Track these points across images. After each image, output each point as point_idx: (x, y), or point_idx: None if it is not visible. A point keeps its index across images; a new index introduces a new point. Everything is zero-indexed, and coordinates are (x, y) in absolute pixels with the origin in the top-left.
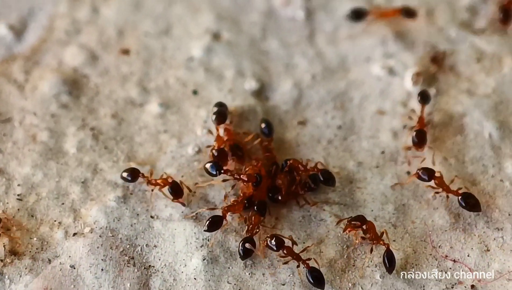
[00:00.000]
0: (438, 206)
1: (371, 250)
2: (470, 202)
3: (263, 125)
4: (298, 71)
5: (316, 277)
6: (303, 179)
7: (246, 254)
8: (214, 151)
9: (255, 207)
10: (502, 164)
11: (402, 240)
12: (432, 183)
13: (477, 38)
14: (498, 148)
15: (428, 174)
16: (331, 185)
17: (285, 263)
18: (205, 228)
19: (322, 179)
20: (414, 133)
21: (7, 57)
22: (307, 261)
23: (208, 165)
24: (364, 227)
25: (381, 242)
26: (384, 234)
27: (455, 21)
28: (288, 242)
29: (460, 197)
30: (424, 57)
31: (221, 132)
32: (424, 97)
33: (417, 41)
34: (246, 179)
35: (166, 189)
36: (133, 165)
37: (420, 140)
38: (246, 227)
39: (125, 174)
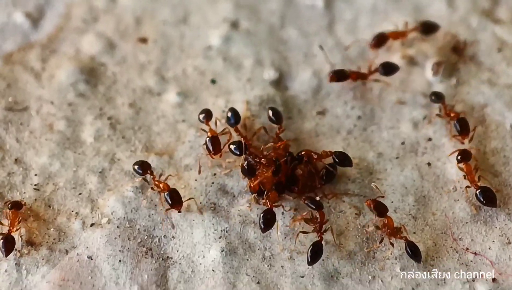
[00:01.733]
0: (459, 198)
1: (392, 244)
2: (487, 196)
3: (270, 113)
4: (317, 60)
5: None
6: (318, 169)
7: (267, 225)
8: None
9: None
10: None
11: (422, 232)
12: (461, 165)
13: (498, 27)
14: None
15: (463, 156)
16: (347, 165)
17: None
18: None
19: (337, 160)
20: (456, 121)
21: (24, 45)
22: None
23: (232, 147)
24: (383, 220)
25: (399, 236)
26: (403, 228)
27: (476, 10)
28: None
29: (478, 191)
30: (445, 46)
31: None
32: (438, 97)
33: (438, 31)
34: (265, 163)
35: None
36: (152, 155)
37: (463, 129)
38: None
39: (136, 167)
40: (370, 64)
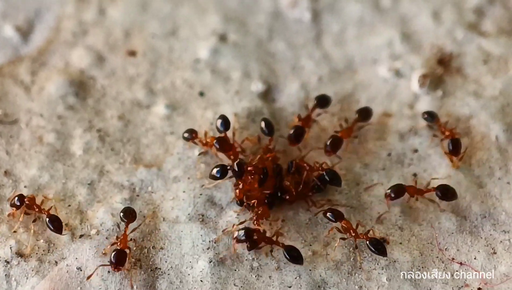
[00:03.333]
0: (444, 208)
1: (356, 247)
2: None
3: (262, 124)
4: (304, 73)
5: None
6: (309, 179)
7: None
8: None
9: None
10: (509, 167)
11: (408, 242)
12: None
13: (484, 40)
14: (505, 150)
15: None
16: (337, 185)
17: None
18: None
19: (328, 179)
20: (450, 141)
21: (14, 58)
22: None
23: (214, 171)
24: (341, 224)
25: (361, 235)
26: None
27: (462, 23)
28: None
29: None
30: (431, 59)
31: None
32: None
33: (424, 43)
34: (252, 171)
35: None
36: (141, 167)
37: (455, 149)
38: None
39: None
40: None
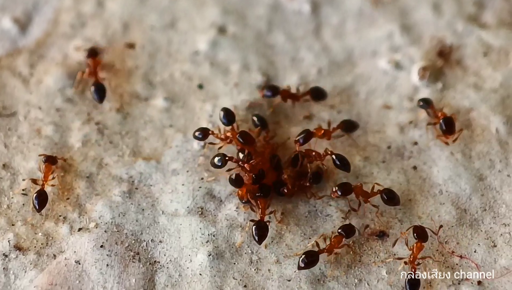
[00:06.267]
0: (444, 201)
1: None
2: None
3: (255, 118)
4: (304, 65)
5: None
6: (313, 168)
7: (261, 237)
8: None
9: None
10: (509, 159)
11: (408, 235)
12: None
13: (484, 32)
14: (505, 142)
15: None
16: (345, 169)
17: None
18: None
19: (338, 163)
20: (442, 121)
21: (12, 50)
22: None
23: (215, 159)
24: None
25: (373, 193)
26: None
27: (462, 14)
28: None
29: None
30: (431, 51)
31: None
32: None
33: (423, 35)
34: (248, 169)
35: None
36: (139, 160)
37: (448, 128)
38: (257, 211)
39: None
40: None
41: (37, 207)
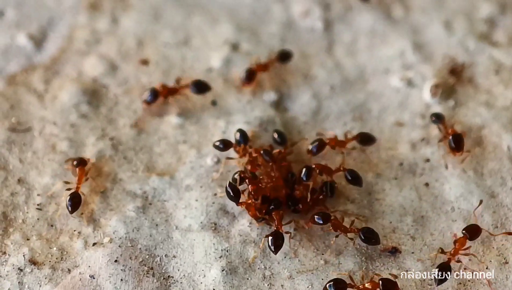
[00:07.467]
0: (456, 218)
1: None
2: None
3: (275, 135)
4: (317, 82)
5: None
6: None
7: (277, 247)
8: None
9: (271, 206)
10: None
11: (420, 252)
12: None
13: (495, 50)
14: None
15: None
16: (357, 184)
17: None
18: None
19: (350, 178)
20: (451, 137)
21: (27, 66)
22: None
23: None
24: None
25: (351, 229)
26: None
27: (474, 33)
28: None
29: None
30: (443, 69)
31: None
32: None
33: (435, 53)
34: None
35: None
36: (153, 176)
37: (457, 145)
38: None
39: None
40: None
41: (70, 209)
